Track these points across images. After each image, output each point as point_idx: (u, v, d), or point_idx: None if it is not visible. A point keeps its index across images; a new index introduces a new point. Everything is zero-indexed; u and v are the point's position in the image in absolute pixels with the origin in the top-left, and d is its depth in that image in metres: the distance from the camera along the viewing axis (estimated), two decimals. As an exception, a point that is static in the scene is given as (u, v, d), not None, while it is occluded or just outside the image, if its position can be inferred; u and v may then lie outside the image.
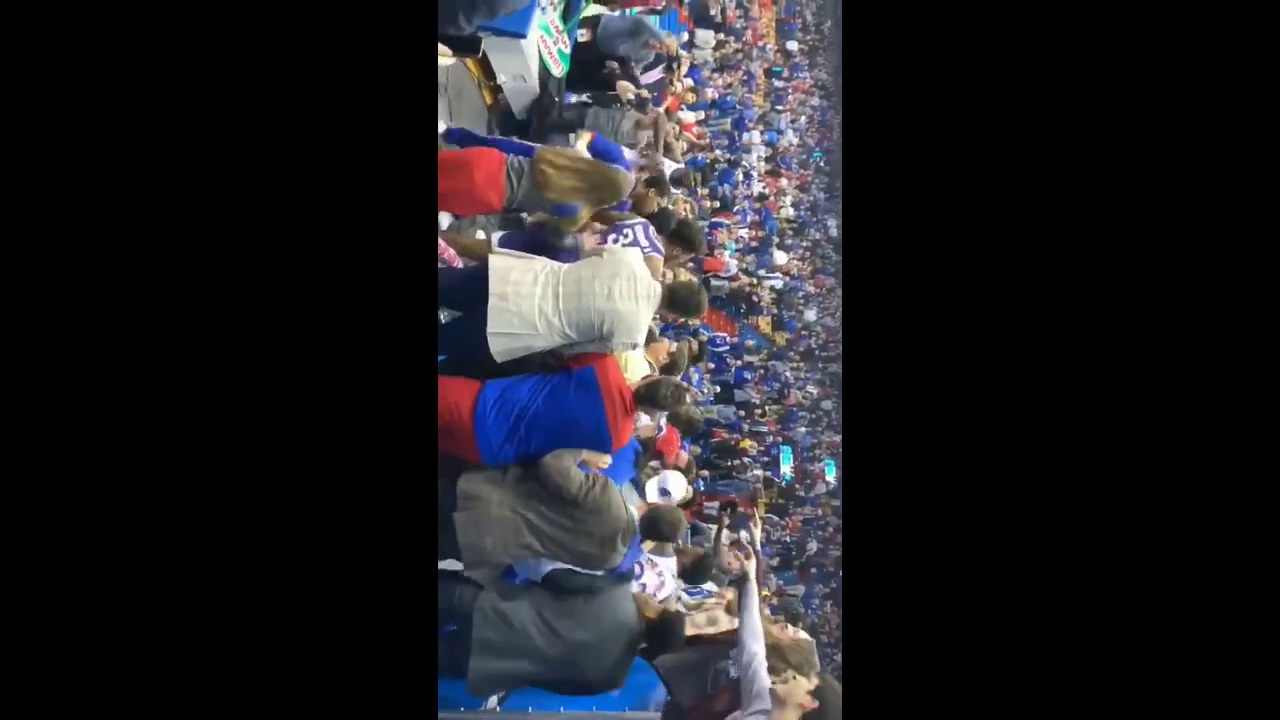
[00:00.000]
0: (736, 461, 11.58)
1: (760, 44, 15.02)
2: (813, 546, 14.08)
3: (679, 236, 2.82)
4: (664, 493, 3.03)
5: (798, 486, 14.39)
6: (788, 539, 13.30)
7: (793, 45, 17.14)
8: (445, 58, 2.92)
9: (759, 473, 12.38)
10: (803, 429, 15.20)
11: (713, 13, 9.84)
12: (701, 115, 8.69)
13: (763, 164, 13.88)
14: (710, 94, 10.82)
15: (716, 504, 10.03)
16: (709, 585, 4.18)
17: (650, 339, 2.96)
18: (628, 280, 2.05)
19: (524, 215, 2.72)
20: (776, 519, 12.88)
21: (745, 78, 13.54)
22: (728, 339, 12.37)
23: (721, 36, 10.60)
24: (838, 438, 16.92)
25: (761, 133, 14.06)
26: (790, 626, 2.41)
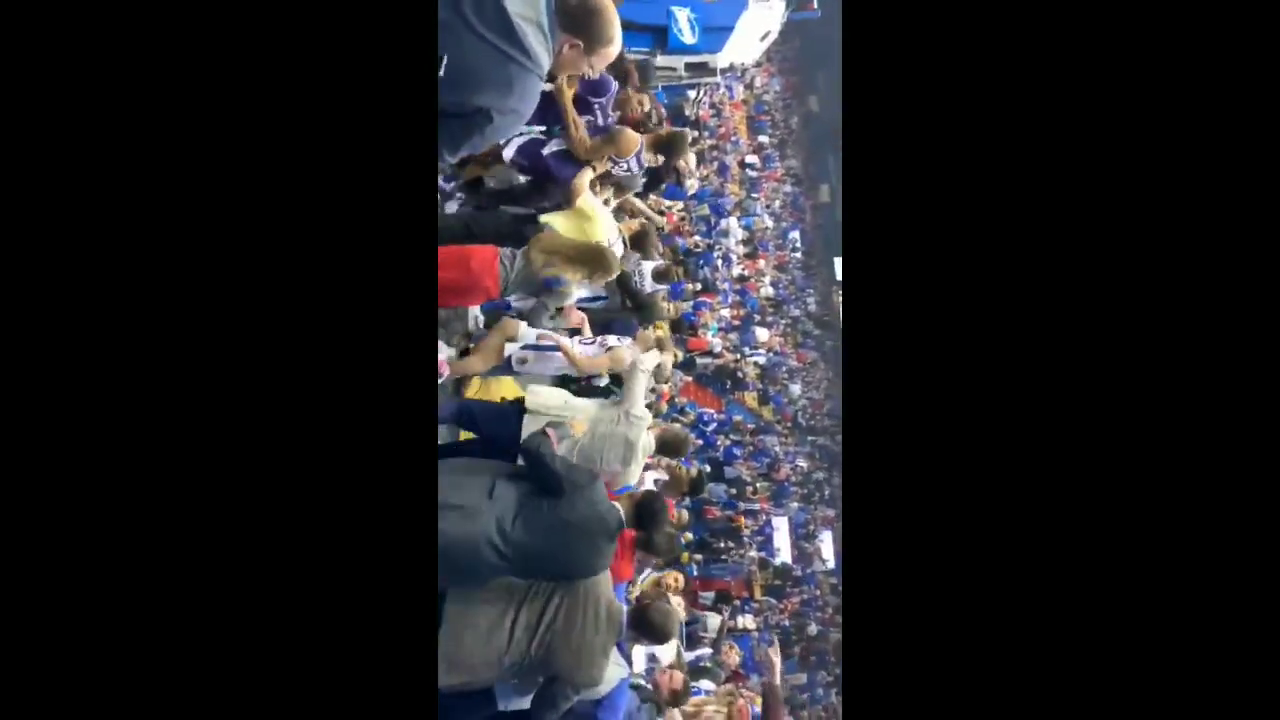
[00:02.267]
0: (730, 543, 11.28)
1: (733, 139, 16.09)
2: (812, 629, 13.46)
3: (664, 145, 3.16)
4: (651, 657, 2.64)
5: (794, 566, 13.95)
6: (786, 623, 12.75)
7: (764, 139, 18.39)
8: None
9: (753, 554, 12.02)
10: (795, 504, 14.95)
11: (688, 113, 10.64)
12: (681, 204, 9.18)
13: (741, 247, 14.50)
14: (690, 185, 11.45)
15: (712, 593, 9.62)
16: (706, 684, 4.00)
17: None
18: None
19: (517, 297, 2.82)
20: (774, 601, 12.39)
21: (720, 169, 14.40)
22: (715, 415, 12.40)
23: (696, 134, 11.41)
24: (832, 511, 16.62)
25: (738, 219, 14.79)
26: None
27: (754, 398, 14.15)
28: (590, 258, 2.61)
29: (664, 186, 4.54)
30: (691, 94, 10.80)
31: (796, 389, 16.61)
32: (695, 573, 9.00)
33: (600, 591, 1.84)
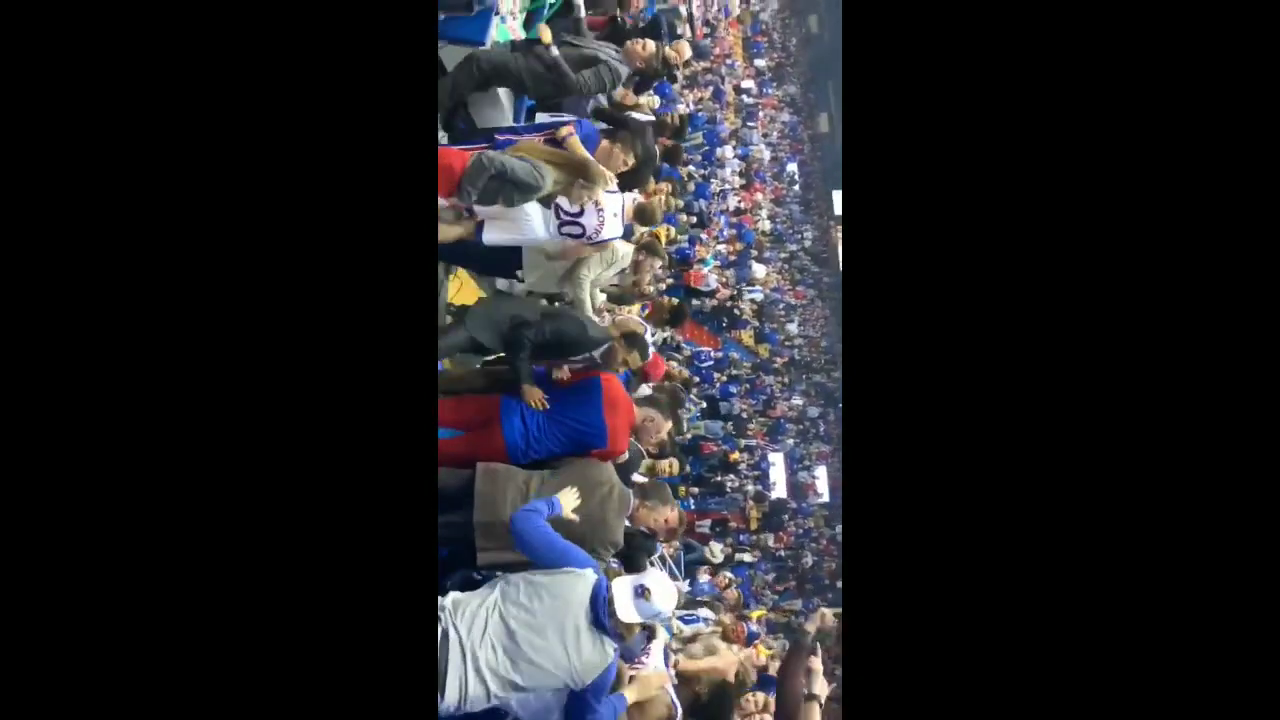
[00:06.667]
0: (728, 476, 11.39)
1: (728, 61, 15.22)
2: (808, 560, 13.87)
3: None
4: (640, 591, 1.73)
5: (790, 500, 14.21)
6: (781, 553, 13.09)
7: (761, 63, 17.43)
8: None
9: (750, 488, 12.19)
10: (791, 440, 15.09)
11: (680, 31, 9.92)
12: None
13: (737, 178, 13.95)
14: (682, 109, 10.88)
15: (708, 522, 9.82)
16: (705, 612, 3.99)
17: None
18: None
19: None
20: (770, 535, 12.67)
21: (715, 94, 13.66)
22: (712, 353, 12.27)
23: (690, 54, 10.67)
24: (827, 447, 16.87)
25: (734, 148, 14.16)
26: None
27: (750, 336, 13.98)
28: (575, 166, 2.33)
29: (654, 87, 4.15)
30: (683, 9, 10.07)
31: (793, 327, 16.46)
32: (692, 506, 9.10)
33: (610, 475, 2.17)
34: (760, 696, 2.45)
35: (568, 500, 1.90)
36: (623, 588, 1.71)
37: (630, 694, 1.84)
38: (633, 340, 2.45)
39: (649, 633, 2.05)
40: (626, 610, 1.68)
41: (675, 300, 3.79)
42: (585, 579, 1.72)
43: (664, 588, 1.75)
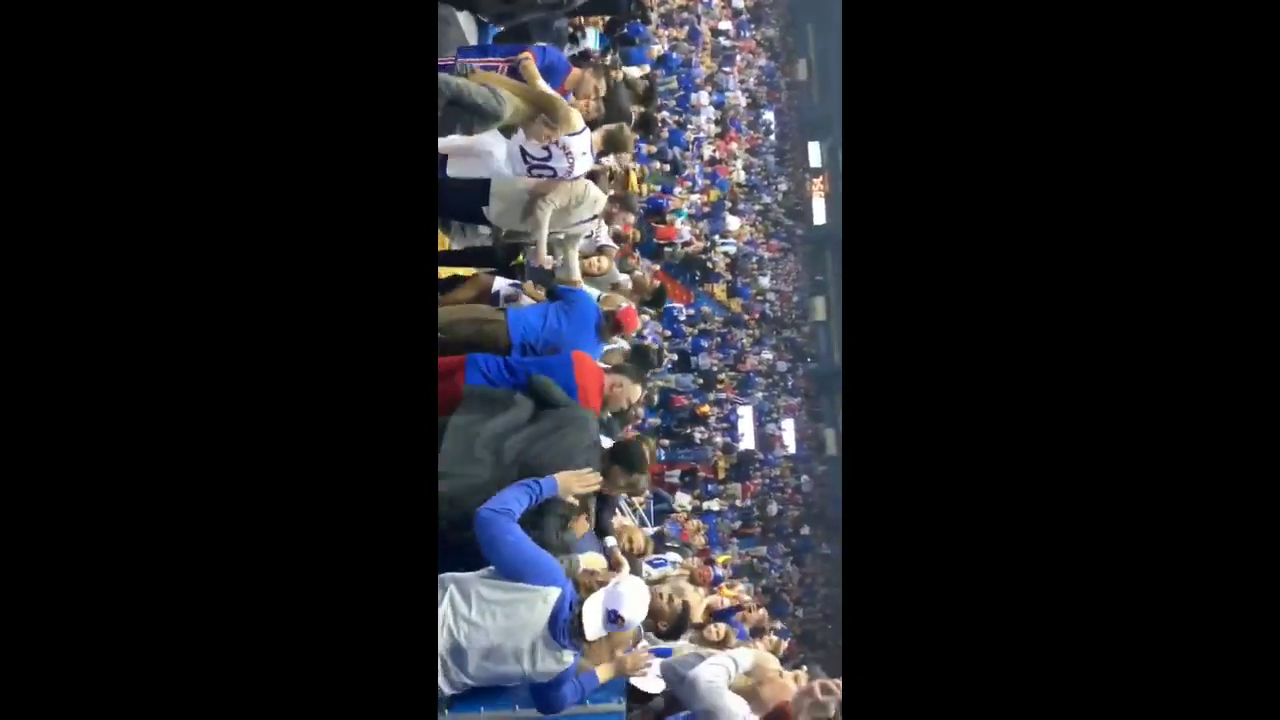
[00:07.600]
0: (698, 428, 11.56)
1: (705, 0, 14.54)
2: (773, 509, 14.34)
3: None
4: (613, 616, 1.62)
5: (757, 451, 14.55)
6: (748, 503, 13.49)
7: (739, 2, 16.70)
8: None
9: (719, 440, 12.41)
10: (760, 394, 15.33)
11: (654, -37, 9.34)
12: (646, 69, 8.32)
13: (712, 126, 13.56)
14: (656, 50, 10.40)
15: (678, 472, 10.01)
16: (673, 555, 4.07)
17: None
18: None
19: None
20: (738, 484, 13.02)
21: (691, 35, 13.09)
22: (684, 307, 12.21)
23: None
24: (795, 400, 17.22)
25: (710, 94, 13.70)
26: (809, 673, 2.04)
27: (723, 290, 13.93)
28: (538, 100, 2.19)
29: (625, 29, 3.91)
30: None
31: (765, 281, 16.45)
32: (663, 457, 9.23)
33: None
34: (721, 627, 2.50)
35: (573, 483, 1.72)
36: (594, 610, 1.59)
37: (603, 674, 1.74)
38: (627, 462, 2.15)
39: None
40: (595, 629, 1.59)
41: (658, 282, 3.70)
42: (545, 598, 1.58)
43: (637, 606, 1.65)
